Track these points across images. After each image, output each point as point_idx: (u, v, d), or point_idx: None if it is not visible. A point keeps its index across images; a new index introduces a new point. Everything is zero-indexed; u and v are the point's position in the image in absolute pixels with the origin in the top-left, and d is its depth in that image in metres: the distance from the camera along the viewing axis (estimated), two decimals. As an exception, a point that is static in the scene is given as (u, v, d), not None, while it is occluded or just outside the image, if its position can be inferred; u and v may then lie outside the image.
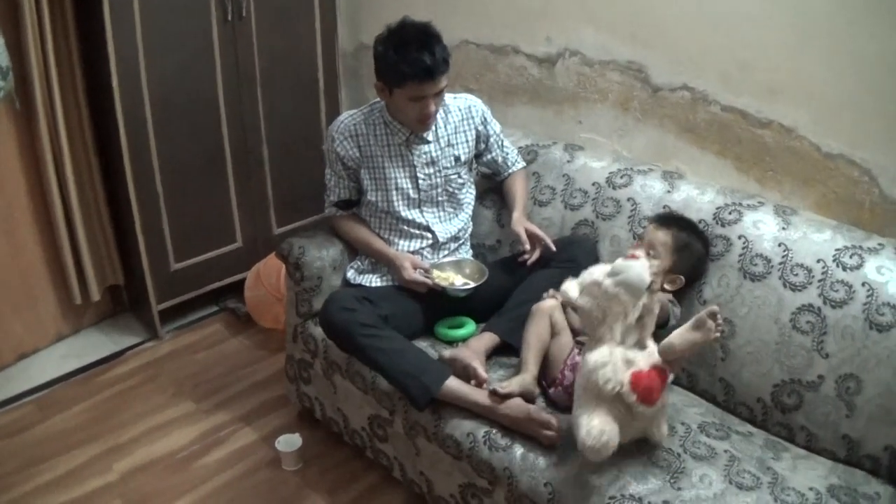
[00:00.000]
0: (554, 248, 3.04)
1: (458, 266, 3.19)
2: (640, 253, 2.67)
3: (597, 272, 2.36)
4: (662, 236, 2.80)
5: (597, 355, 2.30)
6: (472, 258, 3.28)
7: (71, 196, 3.73)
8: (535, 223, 3.25)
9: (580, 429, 2.28)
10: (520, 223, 3.14)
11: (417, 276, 3.06)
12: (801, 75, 2.84)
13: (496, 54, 3.78)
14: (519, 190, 3.33)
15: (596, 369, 2.28)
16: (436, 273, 3.10)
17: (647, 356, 2.33)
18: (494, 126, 3.33)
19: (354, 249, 3.31)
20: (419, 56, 2.84)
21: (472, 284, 3.08)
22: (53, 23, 3.46)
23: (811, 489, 2.34)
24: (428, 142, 3.17)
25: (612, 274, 2.30)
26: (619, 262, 2.32)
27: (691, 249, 2.82)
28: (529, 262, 3.07)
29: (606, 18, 3.34)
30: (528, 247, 3.06)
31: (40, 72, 3.47)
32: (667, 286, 2.81)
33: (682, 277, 2.82)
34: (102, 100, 3.64)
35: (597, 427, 2.26)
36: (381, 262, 3.20)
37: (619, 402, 2.29)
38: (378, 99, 3.14)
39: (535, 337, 2.71)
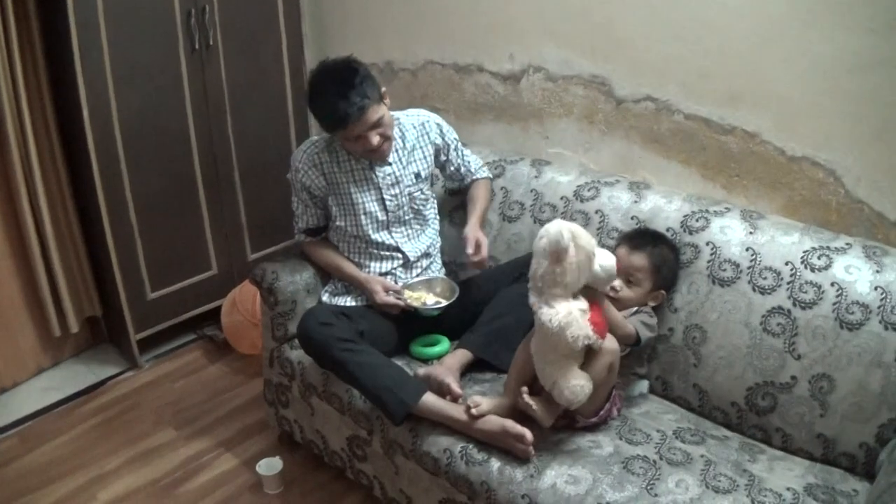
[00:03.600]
0: (486, 266, 3.11)
1: (428, 285, 3.21)
2: (619, 284, 2.72)
3: (562, 236, 2.38)
4: (638, 261, 2.80)
5: (559, 316, 2.35)
6: (442, 276, 3.29)
7: (46, 229, 3.74)
8: (505, 239, 3.29)
9: (563, 391, 2.39)
10: (473, 229, 3.17)
11: (389, 298, 3.08)
12: (762, 80, 2.87)
13: (461, 73, 3.81)
14: (479, 198, 3.35)
15: (564, 329, 2.33)
16: (407, 293, 3.11)
17: (582, 294, 2.44)
18: (451, 135, 3.35)
19: (328, 273, 3.32)
20: (334, 104, 2.88)
21: (443, 303, 3.10)
22: (23, 57, 3.48)
23: (788, 489, 2.36)
24: (390, 163, 3.18)
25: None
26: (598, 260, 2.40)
27: (667, 263, 2.84)
28: (470, 263, 3.12)
29: (567, 33, 3.37)
30: (471, 249, 3.09)
31: (11, 106, 3.48)
32: (650, 303, 2.83)
33: (663, 292, 2.84)
34: (74, 133, 3.65)
35: (577, 385, 2.39)
36: (353, 286, 3.22)
37: (583, 349, 2.42)
38: None
39: (523, 361, 2.64)
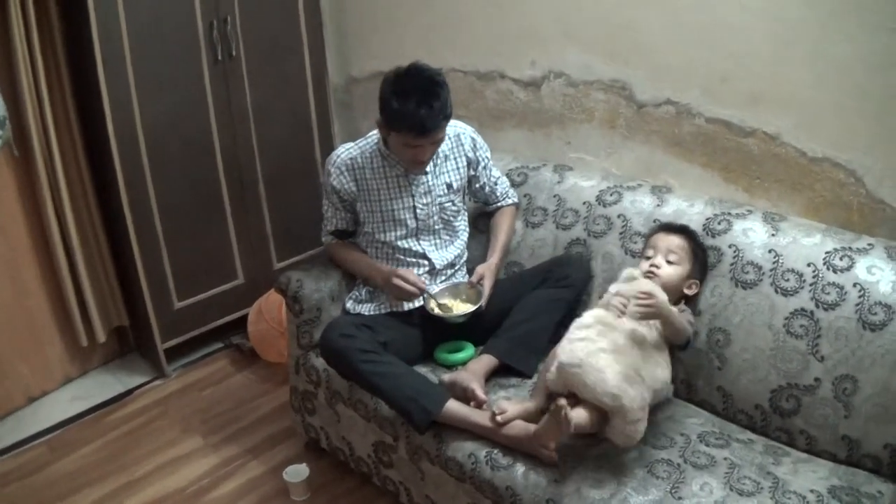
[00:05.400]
0: (482, 308, 3.09)
1: (455, 291, 3.19)
2: (660, 261, 2.72)
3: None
4: (678, 241, 2.81)
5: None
6: (468, 281, 3.25)
7: (72, 240, 3.77)
8: (529, 245, 3.31)
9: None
10: (487, 269, 3.20)
11: (405, 285, 3.04)
12: (782, 82, 2.87)
13: (483, 80, 3.81)
14: (502, 231, 3.35)
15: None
16: (433, 303, 3.11)
17: None
18: (484, 153, 3.34)
19: (352, 278, 3.34)
20: (417, 110, 2.84)
21: (471, 308, 3.08)
22: (48, 71, 3.52)
23: (812, 491, 2.35)
24: (426, 172, 3.18)
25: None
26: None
27: (700, 255, 2.84)
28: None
29: (587, 39, 3.37)
30: (473, 279, 3.17)
31: (36, 119, 3.52)
32: (686, 291, 2.83)
33: (698, 282, 2.84)
34: (98, 143, 3.68)
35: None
36: (378, 279, 3.18)
37: None
38: (375, 131, 3.16)
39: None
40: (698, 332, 2.83)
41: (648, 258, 2.83)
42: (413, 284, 3.04)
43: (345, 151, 3.19)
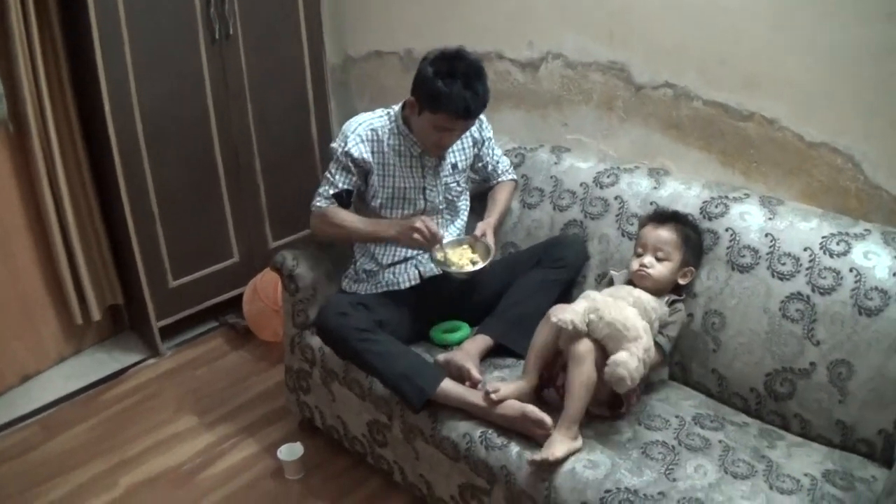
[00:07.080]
0: (487, 268, 3.06)
1: (459, 245, 3.12)
2: (649, 260, 2.73)
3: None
4: (666, 234, 2.81)
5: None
6: (473, 236, 3.16)
7: (68, 218, 3.76)
8: (525, 225, 3.31)
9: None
10: (488, 226, 3.17)
11: (422, 227, 2.96)
12: (780, 66, 2.87)
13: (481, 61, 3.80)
14: (501, 200, 3.36)
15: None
16: (440, 255, 3.04)
17: None
18: (487, 132, 3.33)
19: (348, 256, 3.31)
20: (463, 93, 2.83)
21: (480, 265, 3.02)
22: (44, 49, 3.50)
23: (806, 475, 2.36)
24: (440, 155, 3.18)
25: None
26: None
27: (693, 240, 2.84)
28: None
29: (585, 20, 3.37)
30: (478, 233, 3.12)
31: (32, 97, 3.51)
32: (680, 281, 2.83)
33: (692, 269, 2.84)
34: (95, 122, 3.67)
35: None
36: (389, 231, 3.09)
37: None
38: (392, 107, 3.15)
39: (541, 344, 2.69)
40: (692, 315, 2.84)
41: (639, 255, 2.84)
42: (434, 234, 2.97)
43: (365, 121, 3.12)
